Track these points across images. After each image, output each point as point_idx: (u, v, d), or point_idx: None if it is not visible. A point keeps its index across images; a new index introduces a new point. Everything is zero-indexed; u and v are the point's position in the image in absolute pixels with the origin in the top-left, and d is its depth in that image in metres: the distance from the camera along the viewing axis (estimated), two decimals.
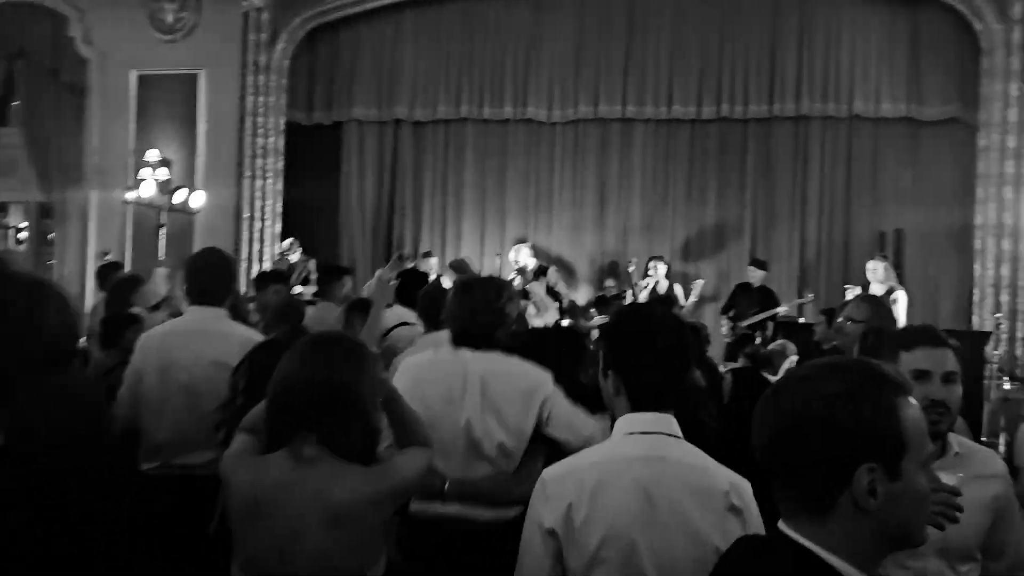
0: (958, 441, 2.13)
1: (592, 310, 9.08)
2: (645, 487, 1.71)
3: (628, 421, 1.81)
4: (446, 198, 10.86)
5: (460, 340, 2.66)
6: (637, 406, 1.80)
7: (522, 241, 9.77)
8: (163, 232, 9.81)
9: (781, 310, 8.53)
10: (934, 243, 9.38)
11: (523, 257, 9.29)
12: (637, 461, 1.75)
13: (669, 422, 1.80)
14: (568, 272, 10.30)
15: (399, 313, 4.25)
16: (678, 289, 9.15)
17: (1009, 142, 8.55)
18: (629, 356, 1.83)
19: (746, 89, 9.74)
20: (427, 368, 2.65)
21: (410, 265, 10.15)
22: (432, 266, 9.47)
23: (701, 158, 10.14)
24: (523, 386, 2.57)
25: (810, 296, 8.83)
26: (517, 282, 8.40)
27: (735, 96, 9.76)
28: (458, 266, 4.18)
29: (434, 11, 10.54)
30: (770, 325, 8.28)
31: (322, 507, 1.86)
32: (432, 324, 3.89)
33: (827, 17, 9.50)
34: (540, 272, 9.18)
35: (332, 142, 11.08)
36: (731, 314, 8.64)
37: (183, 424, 3.11)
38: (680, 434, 1.80)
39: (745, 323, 8.29)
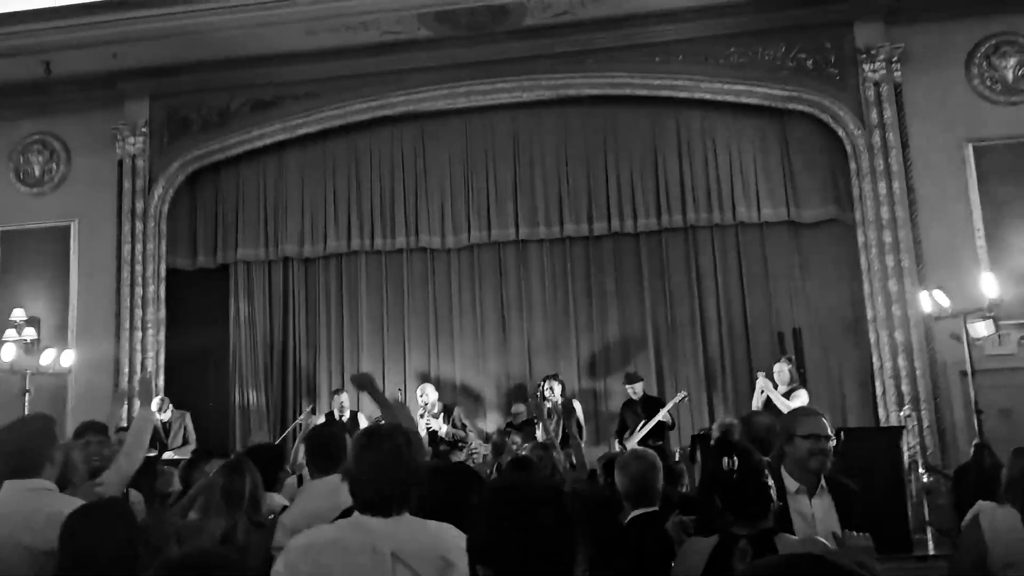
0: None
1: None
2: None
3: None
4: (343, 334, 10.48)
5: (367, 508, 2.18)
6: None
7: (425, 380, 9.59)
8: (28, 398, 8.98)
9: (662, 415, 8.44)
10: (831, 339, 9.53)
11: (430, 396, 8.96)
12: None
13: None
14: (474, 399, 9.96)
15: (272, 503, 3.84)
16: (577, 406, 8.95)
17: (886, 237, 8.86)
18: (510, 546, 1.46)
19: (634, 204, 9.89)
20: (327, 552, 2.14)
21: (303, 416, 9.60)
22: (343, 403, 9.06)
23: (598, 274, 10.15)
24: (442, 554, 2.16)
25: (682, 395, 8.76)
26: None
27: (624, 211, 9.90)
28: (360, 381, 3.65)
29: (318, 147, 10.43)
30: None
31: None
32: (320, 468, 3.52)
33: (702, 131, 9.84)
34: (446, 411, 8.89)
35: (218, 286, 10.62)
36: (625, 435, 8.54)
37: None
38: None
39: (634, 439, 8.16)
